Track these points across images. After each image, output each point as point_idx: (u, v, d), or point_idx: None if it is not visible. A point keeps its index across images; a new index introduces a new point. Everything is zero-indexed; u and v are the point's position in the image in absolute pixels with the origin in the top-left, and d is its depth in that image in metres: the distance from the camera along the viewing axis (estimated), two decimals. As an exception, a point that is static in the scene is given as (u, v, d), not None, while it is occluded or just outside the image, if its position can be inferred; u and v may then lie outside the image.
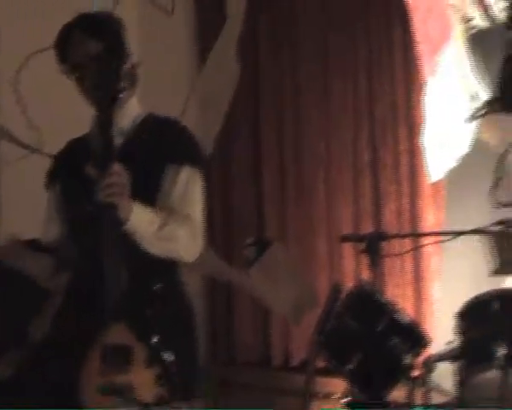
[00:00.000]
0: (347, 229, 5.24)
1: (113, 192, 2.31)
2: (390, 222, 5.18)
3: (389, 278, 5.01)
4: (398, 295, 4.99)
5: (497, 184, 3.18)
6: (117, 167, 2.33)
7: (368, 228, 5.14)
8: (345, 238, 3.90)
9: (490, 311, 3.20)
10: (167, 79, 5.39)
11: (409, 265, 5.03)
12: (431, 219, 5.04)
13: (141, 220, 2.41)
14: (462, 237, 3.50)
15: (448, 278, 4.36)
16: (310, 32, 5.51)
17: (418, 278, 5.02)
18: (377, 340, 3.35)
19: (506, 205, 3.29)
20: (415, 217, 5.11)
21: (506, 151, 3.45)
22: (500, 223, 3.44)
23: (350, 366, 3.37)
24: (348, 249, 5.14)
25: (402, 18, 5.04)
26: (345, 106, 5.39)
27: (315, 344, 3.35)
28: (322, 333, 3.38)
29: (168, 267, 2.60)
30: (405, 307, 4.91)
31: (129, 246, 2.39)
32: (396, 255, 4.02)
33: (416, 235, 4.62)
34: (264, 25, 5.72)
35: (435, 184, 4.94)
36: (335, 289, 3.41)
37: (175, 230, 2.50)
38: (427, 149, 4.90)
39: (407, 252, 4.41)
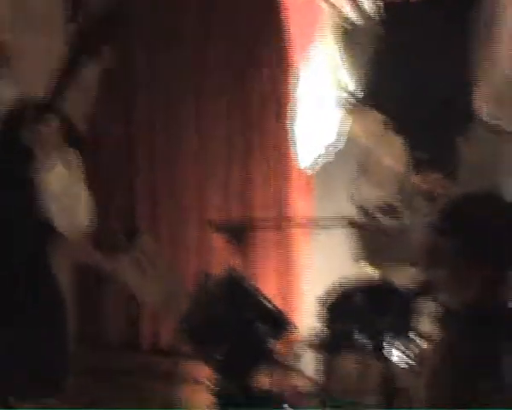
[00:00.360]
0: (217, 214, 5.27)
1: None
2: (259, 207, 5.25)
3: (259, 266, 5.08)
4: (268, 282, 5.07)
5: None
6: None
7: (238, 213, 5.22)
8: (215, 227, 3.91)
9: (353, 302, 3.28)
10: (40, 59, 5.27)
11: (278, 253, 5.10)
12: (301, 206, 5.13)
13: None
14: (331, 226, 3.56)
15: (317, 268, 4.44)
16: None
17: (287, 266, 5.10)
18: (242, 326, 3.39)
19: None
20: (284, 203, 5.19)
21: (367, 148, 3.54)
22: (365, 213, 3.51)
23: (215, 353, 3.39)
24: (218, 238, 5.16)
25: (277, 5, 5.08)
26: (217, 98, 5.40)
27: (179, 331, 3.37)
28: (186, 320, 3.40)
29: (38, 249, 2.57)
30: (275, 295, 5.07)
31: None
32: (264, 244, 4.06)
33: (285, 223, 4.68)
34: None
35: (305, 172, 5.03)
36: (203, 276, 3.45)
37: (81, 190, 2.51)
38: (298, 137, 4.98)
39: (275, 240, 4.48)
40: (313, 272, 4.58)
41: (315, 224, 3.80)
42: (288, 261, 5.14)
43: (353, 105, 4.65)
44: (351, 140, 4.68)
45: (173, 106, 5.57)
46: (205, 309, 3.48)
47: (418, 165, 3.83)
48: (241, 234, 3.25)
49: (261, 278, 5.06)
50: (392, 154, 4.25)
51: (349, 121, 4.56)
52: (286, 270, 5.14)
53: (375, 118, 4.36)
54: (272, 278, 5.15)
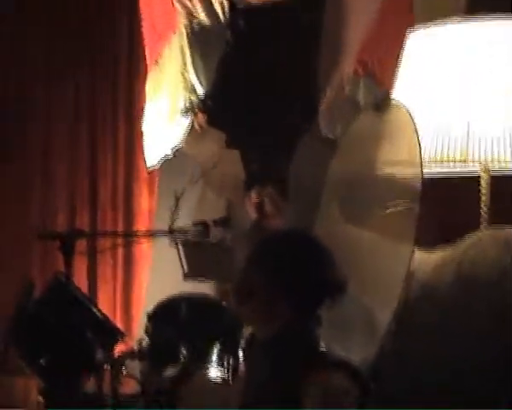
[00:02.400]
0: (62, 211, 5.24)
1: None
2: (105, 202, 5.25)
3: (100, 274, 5.09)
4: (108, 290, 5.10)
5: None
6: None
7: (84, 208, 5.21)
8: (41, 236, 3.89)
9: (177, 314, 3.34)
10: None
11: (119, 261, 5.13)
12: (145, 203, 5.15)
13: None
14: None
15: (157, 277, 4.47)
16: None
17: (128, 275, 5.13)
18: (71, 334, 3.38)
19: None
20: (129, 199, 5.21)
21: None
22: (199, 223, 3.55)
23: (42, 361, 3.38)
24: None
25: (129, 5, 5.07)
26: (65, 89, 5.35)
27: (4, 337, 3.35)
28: (12, 329, 3.38)
29: None
30: (115, 303, 5.09)
31: None
32: (93, 253, 4.05)
33: (111, 234, 4.70)
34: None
35: (151, 171, 5.05)
36: (27, 284, 3.43)
37: None
38: (146, 136, 4.99)
39: (105, 250, 4.48)
40: (153, 284, 4.61)
41: (155, 235, 3.83)
42: (129, 271, 5.18)
43: (197, 109, 4.70)
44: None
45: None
46: (32, 317, 3.46)
47: (252, 179, 3.90)
48: (68, 244, 3.24)
49: (103, 289, 5.08)
50: (227, 169, 4.34)
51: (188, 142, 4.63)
52: (127, 281, 5.16)
53: (212, 137, 4.43)
54: (115, 289, 5.17)
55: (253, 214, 3.83)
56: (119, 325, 4.95)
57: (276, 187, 3.79)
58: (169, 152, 4.83)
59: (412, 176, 2.90)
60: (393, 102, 3.09)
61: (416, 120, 2.90)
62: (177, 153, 4.71)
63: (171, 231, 3.52)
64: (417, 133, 2.86)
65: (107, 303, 5.13)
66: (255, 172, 3.99)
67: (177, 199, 3.45)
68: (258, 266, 2.41)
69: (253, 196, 3.79)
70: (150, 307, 3.47)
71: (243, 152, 4.36)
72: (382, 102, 3.14)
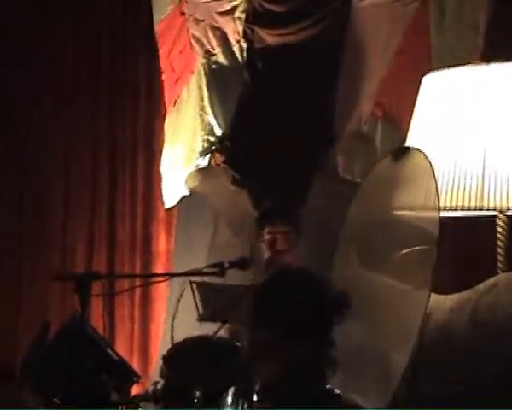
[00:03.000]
0: (81, 252, 5.26)
1: None
2: (123, 243, 5.26)
3: (118, 315, 5.11)
4: (126, 331, 5.11)
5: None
6: None
7: (102, 249, 5.23)
8: (55, 277, 3.90)
9: (192, 357, 3.32)
10: None
11: (137, 301, 5.14)
12: (162, 244, 5.16)
13: None
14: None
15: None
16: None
17: (146, 316, 5.14)
18: (85, 375, 3.37)
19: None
20: (147, 240, 5.22)
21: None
22: (215, 266, 3.54)
23: (56, 401, 3.37)
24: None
25: (148, 46, 5.12)
26: (85, 128, 5.41)
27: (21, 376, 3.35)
28: (27, 368, 3.38)
29: None
30: (132, 344, 5.09)
31: None
32: (110, 295, 4.05)
33: (129, 276, 4.71)
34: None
35: (168, 211, 5.07)
36: (43, 325, 3.44)
37: None
38: (164, 177, 5.02)
39: (121, 292, 4.49)
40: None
41: (158, 276, 3.83)
42: (145, 324, 5.18)
43: (214, 150, 4.72)
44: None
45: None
46: (48, 357, 3.47)
47: (265, 216, 3.90)
48: (83, 286, 3.23)
49: (120, 329, 5.09)
50: (241, 209, 4.34)
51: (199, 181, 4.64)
52: (145, 321, 5.17)
53: (226, 176, 4.43)
54: (132, 330, 5.18)
55: (266, 252, 3.83)
56: (137, 365, 4.98)
57: (288, 224, 3.79)
58: (186, 193, 4.85)
59: (429, 220, 2.89)
60: (411, 148, 3.09)
61: (432, 165, 2.89)
62: (194, 193, 4.71)
63: (186, 274, 3.52)
64: (435, 179, 2.86)
65: (124, 344, 5.14)
66: (267, 209, 3.99)
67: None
68: (262, 309, 2.41)
69: (266, 233, 3.80)
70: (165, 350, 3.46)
71: (258, 191, 4.37)
72: (400, 150, 3.14)
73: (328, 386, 2.36)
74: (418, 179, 2.93)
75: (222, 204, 4.45)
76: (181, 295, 3.57)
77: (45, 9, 5.55)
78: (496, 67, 3.06)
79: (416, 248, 2.94)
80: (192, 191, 4.68)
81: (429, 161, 2.90)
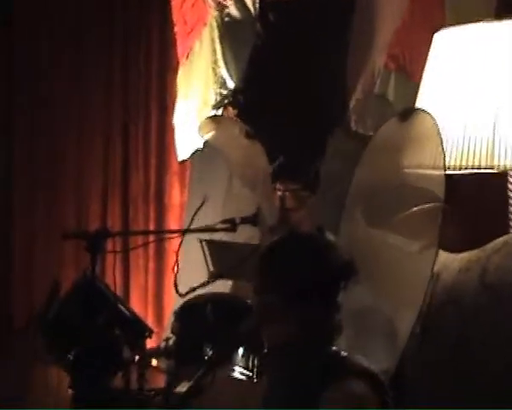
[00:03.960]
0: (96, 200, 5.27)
1: None
2: (137, 194, 5.29)
3: (133, 271, 5.14)
4: (140, 285, 5.15)
5: None
6: None
7: (116, 202, 5.25)
8: (66, 236, 3.91)
9: (202, 314, 3.35)
10: None
11: (151, 254, 5.17)
12: (176, 197, 5.18)
13: None
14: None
15: (187, 272, 4.48)
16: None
17: (160, 269, 5.17)
18: (98, 331, 3.41)
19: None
20: (161, 191, 5.24)
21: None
22: (226, 221, 3.55)
23: (70, 357, 3.42)
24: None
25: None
26: (97, 84, 5.46)
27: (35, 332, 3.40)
28: (41, 323, 3.43)
29: None
30: (146, 298, 5.13)
31: None
32: (119, 252, 4.07)
33: (140, 232, 4.72)
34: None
35: (182, 163, 5.07)
36: (54, 283, 3.48)
37: None
38: (177, 129, 5.01)
39: (132, 249, 4.50)
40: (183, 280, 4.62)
41: (172, 233, 3.82)
42: (160, 275, 5.20)
43: (228, 103, 4.69)
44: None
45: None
46: (60, 313, 3.51)
47: (278, 172, 3.88)
48: (96, 244, 3.25)
49: (135, 285, 5.13)
50: (254, 163, 4.32)
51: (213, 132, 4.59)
52: (158, 284, 5.20)
53: (239, 129, 4.41)
54: (146, 284, 5.21)
55: (278, 207, 3.82)
56: (151, 317, 5.04)
57: (300, 181, 3.76)
58: (200, 145, 4.84)
59: (435, 179, 2.88)
60: (418, 109, 3.06)
61: (440, 127, 2.87)
62: (208, 145, 4.69)
63: (197, 230, 3.53)
64: (441, 140, 2.84)
65: (139, 295, 5.19)
66: (280, 165, 3.96)
67: (202, 203, 3.44)
68: (268, 272, 2.42)
69: (277, 189, 3.78)
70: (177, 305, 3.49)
71: (270, 146, 4.35)
72: (407, 111, 3.11)
73: (334, 348, 2.37)
74: (424, 140, 2.91)
75: (235, 157, 4.42)
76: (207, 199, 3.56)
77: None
78: (508, 25, 3.01)
79: (423, 206, 2.92)
80: (205, 141, 4.65)
81: (436, 123, 2.88)
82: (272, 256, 2.45)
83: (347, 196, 3.18)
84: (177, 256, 3.26)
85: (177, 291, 3.19)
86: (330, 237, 3.39)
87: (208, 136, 4.42)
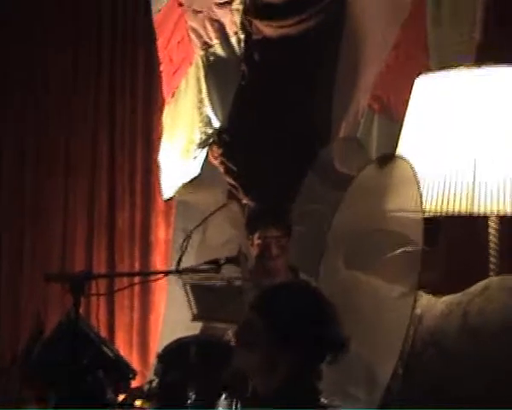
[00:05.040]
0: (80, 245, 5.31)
1: None
2: (123, 232, 5.29)
3: (118, 310, 5.14)
4: (125, 323, 5.15)
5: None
6: None
7: (102, 241, 5.25)
8: (49, 277, 3.90)
9: (186, 356, 3.34)
10: None
11: (135, 295, 5.18)
12: (161, 233, 5.18)
13: None
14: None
15: (171, 314, 4.47)
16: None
17: (145, 307, 5.17)
18: (82, 373, 3.40)
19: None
20: (146, 230, 5.24)
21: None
22: (211, 262, 3.55)
23: (53, 398, 3.41)
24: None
25: (147, 37, 5.12)
26: (85, 118, 5.44)
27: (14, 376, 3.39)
28: (25, 363, 3.42)
29: None
30: (132, 339, 5.12)
31: None
32: (103, 294, 4.07)
33: (124, 274, 4.72)
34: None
35: (167, 202, 5.08)
36: (38, 324, 3.47)
37: None
38: (163, 167, 5.02)
39: (116, 291, 4.51)
40: (168, 325, 4.62)
41: (155, 274, 3.82)
42: (145, 313, 5.21)
43: (212, 142, 4.72)
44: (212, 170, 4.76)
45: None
46: (43, 354, 3.50)
47: (256, 220, 3.87)
48: (78, 286, 3.25)
49: (119, 326, 5.12)
50: (231, 217, 4.35)
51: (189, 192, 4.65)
52: (143, 322, 5.20)
53: (215, 192, 4.45)
54: (131, 329, 5.21)
55: (254, 256, 3.80)
56: (136, 357, 5.03)
57: (282, 229, 3.75)
58: (185, 183, 4.85)
59: (415, 222, 2.90)
60: (396, 155, 3.09)
61: (419, 172, 2.90)
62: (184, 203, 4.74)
63: (182, 271, 3.53)
64: (419, 186, 2.87)
65: (124, 334, 5.19)
66: (259, 214, 3.96)
67: (188, 237, 3.45)
68: (260, 317, 2.41)
69: (256, 237, 3.75)
70: (161, 348, 3.49)
71: (252, 186, 4.37)
72: (385, 157, 3.14)
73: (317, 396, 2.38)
74: (403, 186, 2.95)
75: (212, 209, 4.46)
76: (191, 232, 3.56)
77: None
78: (487, 71, 3.05)
79: (403, 250, 2.94)
80: (182, 201, 4.71)
81: (414, 169, 2.91)
82: (263, 306, 2.43)
83: (327, 239, 3.19)
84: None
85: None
86: (305, 278, 3.41)
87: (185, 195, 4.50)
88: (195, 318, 3.47)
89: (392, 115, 4.09)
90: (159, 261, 5.18)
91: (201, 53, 4.91)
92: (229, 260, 3.55)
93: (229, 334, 3.53)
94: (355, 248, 3.04)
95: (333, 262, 3.13)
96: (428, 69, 3.68)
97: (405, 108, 3.51)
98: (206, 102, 4.85)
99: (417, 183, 2.88)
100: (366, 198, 3.09)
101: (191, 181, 4.77)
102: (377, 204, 3.03)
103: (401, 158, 3.01)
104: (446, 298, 3.08)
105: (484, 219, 3.18)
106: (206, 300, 3.46)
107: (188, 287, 3.46)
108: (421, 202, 2.86)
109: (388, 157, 3.13)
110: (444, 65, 3.51)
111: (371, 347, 2.85)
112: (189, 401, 3.24)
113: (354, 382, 2.83)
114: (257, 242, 3.71)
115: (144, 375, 4.71)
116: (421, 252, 2.80)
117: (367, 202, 3.07)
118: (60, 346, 3.51)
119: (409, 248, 2.84)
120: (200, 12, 4.88)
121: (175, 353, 3.42)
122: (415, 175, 2.90)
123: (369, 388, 2.81)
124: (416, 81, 3.32)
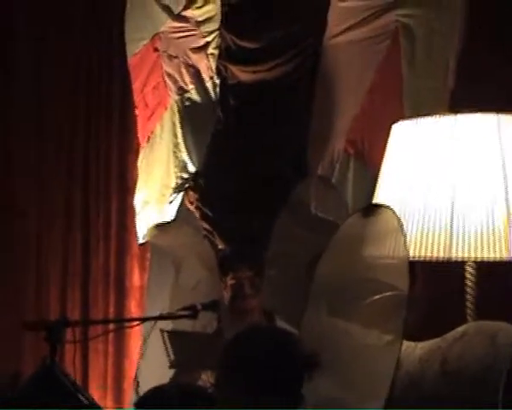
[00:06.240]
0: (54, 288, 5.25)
1: None
2: (96, 279, 5.26)
3: (92, 355, 5.10)
4: (100, 368, 5.13)
5: None
6: None
7: (75, 283, 5.23)
8: (26, 325, 3.87)
9: (165, 404, 3.30)
10: None
11: (110, 341, 5.16)
12: (136, 279, 5.16)
13: None
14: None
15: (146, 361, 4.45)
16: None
17: (120, 352, 5.15)
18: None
19: None
20: (121, 274, 5.22)
21: None
22: (187, 308, 3.54)
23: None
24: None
25: (122, 81, 5.13)
26: (58, 160, 5.43)
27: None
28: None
29: None
30: (106, 384, 5.08)
31: None
32: (78, 341, 4.03)
33: (101, 322, 4.70)
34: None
35: (142, 246, 5.06)
36: (13, 374, 3.43)
37: None
38: (138, 212, 5.01)
39: (92, 339, 4.48)
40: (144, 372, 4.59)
41: (131, 321, 3.80)
42: (119, 360, 5.18)
43: (188, 187, 4.72)
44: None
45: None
46: (16, 403, 3.45)
47: (231, 262, 3.89)
48: (54, 334, 3.22)
49: (93, 372, 5.08)
50: (203, 258, 4.36)
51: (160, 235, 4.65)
52: (118, 367, 5.16)
53: (187, 232, 4.46)
54: (105, 377, 5.17)
55: (228, 298, 3.81)
56: (110, 402, 4.98)
57: (254, 268, 3.78)
58: (158, 228, 4.85)
59: (399, 270, 2.91)
60: (380, 205, 3.11)
61: (401, 222, 2.92)
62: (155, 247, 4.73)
63: (159, 318, 3.52)
64: (404, 235, 2.89)
65: (97, 379, 5.15)
66: (232, 254, 3.98)
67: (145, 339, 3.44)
68: (231, 366, 2.42)
69: (229, 278, 3.78)
70: (138, 396, 3.45)
71: (227, 230, 4.37)
72: (369, 207, 3.16)
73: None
74: (387, 236, 2.96)
75: (184, 251, 4.46)
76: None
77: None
78: (462, 118, 3.09)
79: (388, 295, 2.95)
80: (153, 244, 4.71)
81: (398, 218, 2.93)
82: (234, 350, 2.45)
83: (310, 292, 3.19)
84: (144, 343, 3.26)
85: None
86: (282, 323, 3.42)
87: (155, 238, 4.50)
88: (173, 365, 3.44)
89: (367, 161, 4.12)
90: (133, 307, 5.15)
91: (176, 98, 4.93)
92: (205, 307, 3.55)
93: (204, 378, 3.52)
94: (339, 296, 3.05)
95: (317, 310, 3.13)
96: (403, 115, 3.72)
97: (380, 153, 3.53)
98: (182, 146, 4.86)
99: (402, 231, 2.90)
100: (351, 248, 3.10)
101: (166, 224, 4.75)
102: (362, 253, 3.04)
103: (386, 207, 3.03)
104: (424, 344, 3.08)
105: (460, 264, 3.20)
106: (183, 346, 3.45)
107: (165, 334, 3.44)
108: (407, 249, 2.88)
109: (373, 207, 3.14)
110: (418, 111, 3.56)
111: (357, 394, 2.85)
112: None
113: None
114: (230, 282, 3.75)
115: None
116: (406, 298, 2.81)
117: (351, 251, 3.08)
118: (35, 394, 3.46)
119: (395, 294, 2.85)
120: (176, 57, 4.91)
121: (153, 401, 3.37)
122: (400, 224, 2.92)
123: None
124: (392, 127, 3.34)
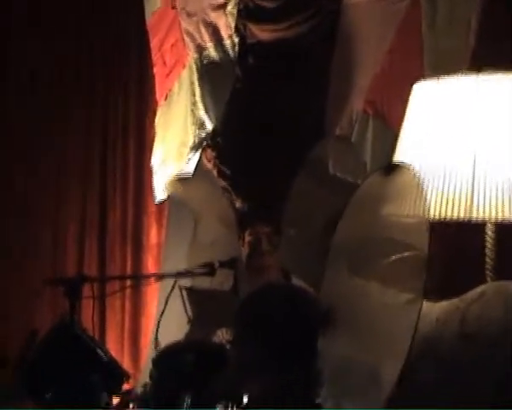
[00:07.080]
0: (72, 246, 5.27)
1: None
2: (114, 235, 5.27)
3: (109, 311, 5.11)
4: (116, 324, 5.18)
5: None
6: None
7: (93, 243, 5.23)
8: (46, 282, 3.91)
9: (182, 361, 3.33)
10: None
11: (127, 297, 5.16)
12: (154, 236, 5.17)
13: None
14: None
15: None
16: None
17: (137, 308, 5.16)
18: (76, 376, 3.39)
19: None
20: (138, 232, 5.23)
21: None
22: (205, 265, 3.56)
23: (47, 397, 3.40)
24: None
25: (139, 39, 5.10)
26: (77, 118, 5.43)
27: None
28: (19, 366, 3.42)
29: None
30: (123, 340, 5.11)
31: None
32: (96, 298, 4.06)
33: (118, 277, 4.72)
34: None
35: (159, 204, 5.07)
36: (31, 331, 3.46)
37: None
38: (155, 170, 5.01)
39: (110, 295, 4.50)
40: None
41: (148, 277, 3.82)
42: (136, 316, 5.19)
43: (206, 144, 4.71)
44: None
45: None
46: (35, 358, 3.49)
47: (246, 218, 3.88)
48: (73, 290, 3.25)
49: (110, 328, 5.11)
50: (221, 216, 4.35)
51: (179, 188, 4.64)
52: (134, 323, 5.18)
53: (206, 189, 4.46)
54: (122, 333, 5.19)
55: (245, 255, 3.81)
56: (127, 357, 5.02)
57: (271, 225, 3.77)
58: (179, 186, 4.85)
59: (420, 229, 2.91)
60: (401, 164, 3.10)
61: (422, 181, 2.91)
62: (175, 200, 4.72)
63: (176, 274, 3.53)
64: (424, 193, 2.87)
65: (115, 334, 5.18)
66: (250, 211, 3.97)
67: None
68: (247, 323, 2.44)
69: (247, 234, 3.77)
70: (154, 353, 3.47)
71: (245, 187, 4.37)
72: (390, 166, 3.14)
73: (316, 401, 2.39)
74: (408, 195, 2.95)
75: (203, 206, 4.45)
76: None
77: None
78: (485, 77, 3.06)
79: (408, 255, 2.95)
80: (172, 197, 4.70)
81: (418, 176, 2.91)
82: (250, 307, 2.46)
83: (331, 247, 3.19)
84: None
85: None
86: (298, 282, 3.42)
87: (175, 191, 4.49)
88: (191, 321, 3.46)
89: (387, 121, 4.09)
90: (150, 264, 5.17)
91: (195, 56, 4.90)
92: (223, 264, 3.57)
93: (221, 335, 3.53)
94: (359, 255, 3.05)
95: (337, 270, 3.13)
96: (424, 75, 3.69)
97: (400, 115, 3.51)
98: (200, 104, 4.84)
99: (422, 190, 2.89)
100: (371, 207, 3.09)
101: (186, 177, 4.74)
102: (382, 212, 3.03)
103: (406, 166, 3.02)
104: (442, 304, 3.08)
105: (480, 227, 3.19)
106: (202, 304, 3.46)
107: (183, 290, 3.46)
108: (427, 209, 2.87)
109: (393, 166, 3.13)
110: (439, 71, 3.52)
111: (375, 353, 2.86)
112: (184, 406, 3.22)
113: (357, 389, 2.83)
114: (248, 239, 3.75)
115: (135, 377, 4.70)
116: (426, 258, 2.80)
117: (371, 210, 3.07)
118: (53, 349, 3.49)
119: (415, 253, 2.84)
120: (195, 15, 4.87)
121: (170, 357, 3.41)
122: (420, 182, 2.91)
123: (372, 393, 2.81)
124: (413, 87, 3.31)
